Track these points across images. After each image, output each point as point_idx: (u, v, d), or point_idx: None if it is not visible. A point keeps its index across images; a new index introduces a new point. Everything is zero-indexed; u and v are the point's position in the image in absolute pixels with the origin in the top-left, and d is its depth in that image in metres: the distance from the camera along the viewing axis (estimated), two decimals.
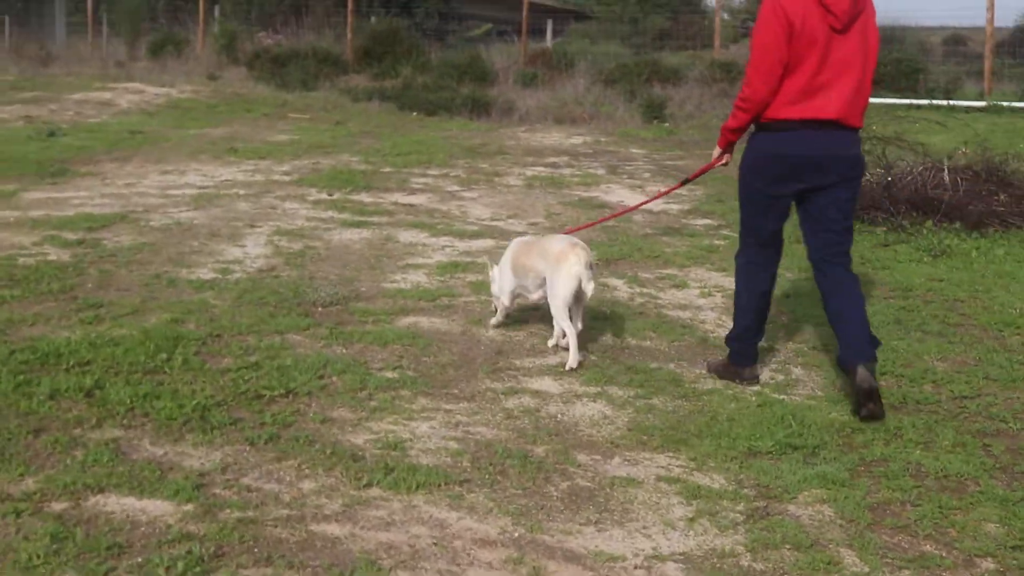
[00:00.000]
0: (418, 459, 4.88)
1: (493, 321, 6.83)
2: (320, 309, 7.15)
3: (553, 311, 6.16)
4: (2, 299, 7.14)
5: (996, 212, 9.57)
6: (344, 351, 6.34)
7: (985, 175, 10.02)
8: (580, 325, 6.27)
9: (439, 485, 4.62)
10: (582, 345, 6.37)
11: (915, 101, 19.41)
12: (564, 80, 22.92)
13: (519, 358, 6.30)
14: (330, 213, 10.38)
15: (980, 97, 20.10)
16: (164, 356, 6.10)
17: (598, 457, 4.98)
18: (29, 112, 18.60)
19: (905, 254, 8.95)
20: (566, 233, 6.73)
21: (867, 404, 5.45)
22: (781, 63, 5.36)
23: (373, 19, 27.17)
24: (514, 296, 6.60)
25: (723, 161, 6.13)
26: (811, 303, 7.25)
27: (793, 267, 8.21)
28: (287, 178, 12.52)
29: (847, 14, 5.35)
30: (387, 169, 13.41)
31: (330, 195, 11.40)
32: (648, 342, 6.65)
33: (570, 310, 6.16)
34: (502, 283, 6.60)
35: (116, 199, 10.84)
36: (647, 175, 13.32)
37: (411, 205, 10.91)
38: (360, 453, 4.92)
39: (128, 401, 5.41)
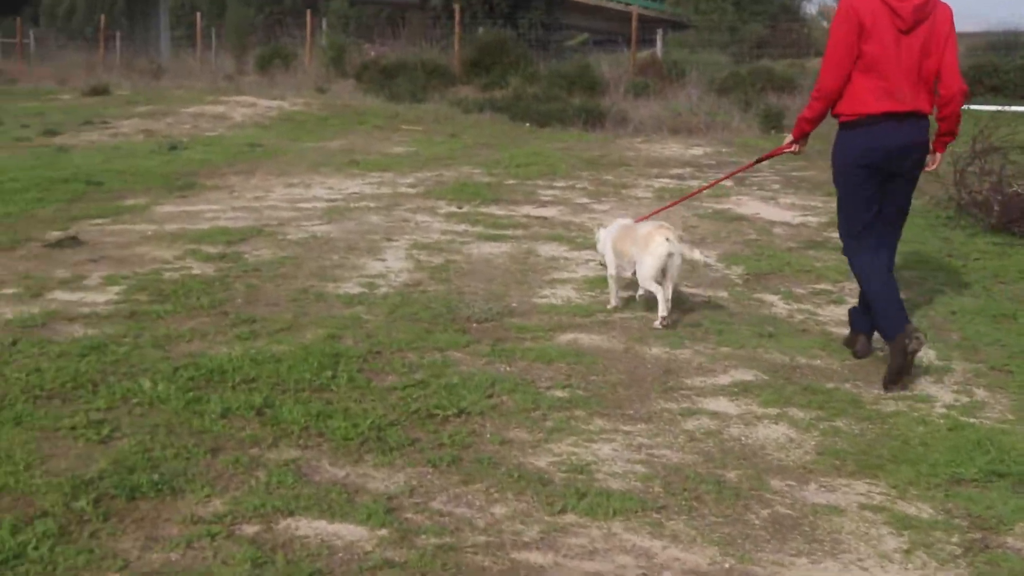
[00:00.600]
0: (607, 483, 4.71)
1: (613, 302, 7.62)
2: (475, 325, 7.00)
3: (642, 283, 7.05)
4: (155, 314, 7.05)
5: None
6: (508, 369, 6.18)
7: None
8: (670, 293, 7.05)
9: (636, 511, 4.46)
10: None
11: None
12: (675, 90, 22.69)
13: (688, 377, 6.10)
14: (464, 226, 10.24)
15: None
16: (329, 374, 5.97)
17: (792, 483, 4.76)
18: (147, 126, 18.77)
19: None
20: (644, 219, 7.60)
21: (908, 357, 6.00)
22: (851, 58, 5.87)
23: (481, 30, 27.06)
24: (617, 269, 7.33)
25: (793, 149, 6.71)
26: (982, 321, 6.98)
27: (955, 283, 7.92)
28: (413, 190, 12.42)
29: (912, 17, 5.82)
30: (511, 181, 13.26)
31: (460, 208, 11.28)
32: (818, 361, 6.43)
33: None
34: (614, 262, 7.36)
35: (248, 212, 10.78)
36: (776, 186, 13.08)
37: (544, 218, 10.74)
38: (547, 477, 4.75)
39: (301, 420, 5.29)
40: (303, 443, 5.10)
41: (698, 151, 16.35)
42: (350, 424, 5.27)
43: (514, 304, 7.50)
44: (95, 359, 6.19)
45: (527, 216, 10.82)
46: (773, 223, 10.48)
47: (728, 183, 13.08)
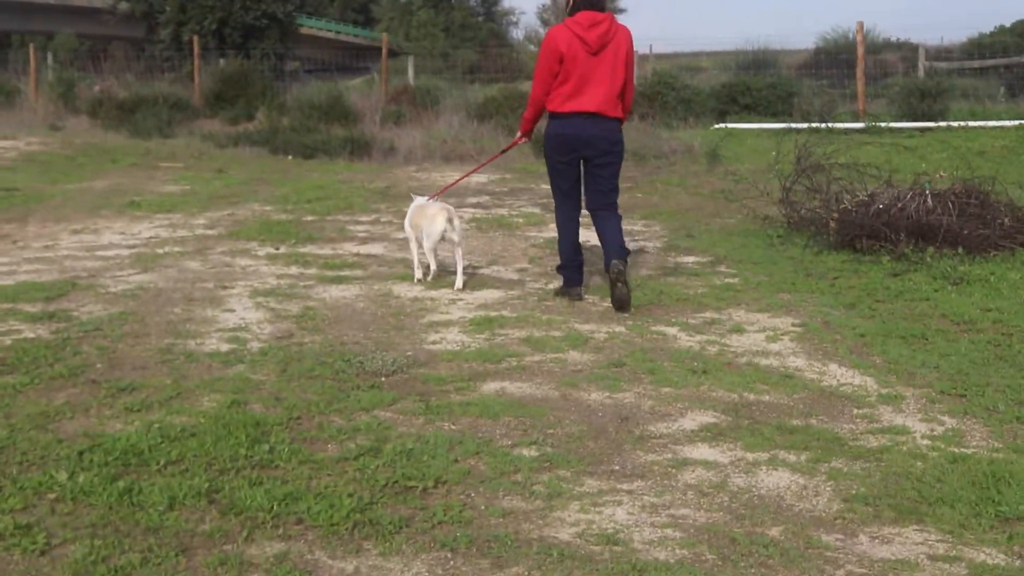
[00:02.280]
0: (652, 554, 4.27)
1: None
2: (384, 379, 6.39)
3: (425, 249, 8.85)
4: (11, 388, 6.27)
5: (997, 236, 9.29)
6: (454, 427, 5.66)
7: (971, 198, 9.72)
8: (461, 259, 8.96)
9: None
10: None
11: (793, 125, 19.33)
12: (430, 117, 22.27)
13: (649, 423, 5.73)
14: (295, 268, 9.57)
15: (855, 118, 20.18)
16: (265, 447, 5.28)
17: (840, 536, 4.44)
18: None
19: (923, 283, 8.66)
20: (433, 196, 9.33)
21: (616, 284, 7.97)
22: (552, 76, 7.90)
23: (221, 61, 26.01)
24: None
25: (523, 140, 8.97)
26: (894, 343, 6.88)
27: (833, 304, 7.81)
28: (213, 232, 11.62)
29: (597, 43, 7.81)
30: (310, 218, 12.61)
31: (276, 249, 10.59)
32: (766, 397, 6.15)
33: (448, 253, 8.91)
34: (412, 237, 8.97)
35: (47, 264, 9.80)
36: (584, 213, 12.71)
37: (374, 255, 10.16)
38: (583, 552, 4.26)
39: (266, 505, 4.59)
40: (283, 533, 4.44)
41: (482, 178, 16.00)
42: (326, 505, 4.65)
43: (409, 353, 6.93)
44: None
45: (356, 255, 10.20)
46: None
47: (535, 209, 12.76)
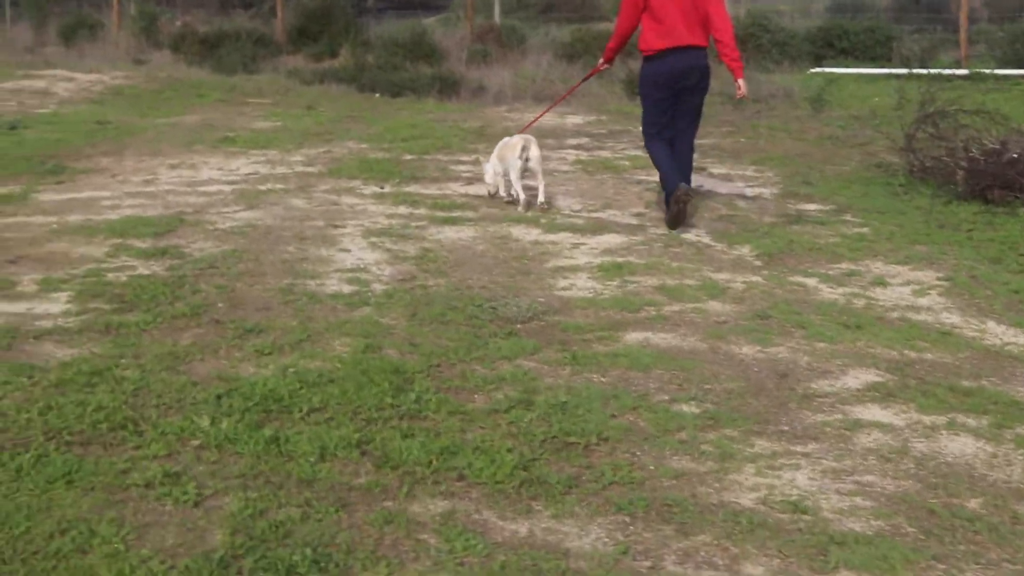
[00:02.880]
0: (846, 525, 3.95)
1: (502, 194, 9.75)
2: (520, 326, 6.06)
3: (512, 180, 9.30)
4: (134, 327, 6.06)
5: None
6: (603, 379, 5.33)
7: None
8: (542, 182, 9.51)
9: (917, 561, 3.67)
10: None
11: (893, 71, 18.70)
12: (516, 57, 21.81)
13: (810, 380, 5.40)
14: (404, 208, 9.27)
15: (957, 65, 19.50)
16: (412, 396, 4.98)
17: None
18: None
19: None
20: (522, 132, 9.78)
21: (680, 204, 8.48)
22: (637, 13, 8.46)
23: None
24: (498, 176, 9.60)
25: (604, 67, 9.56)
26: None
27: (978, 258, 7.38)
28: (312, 169, 11.33)
29: None
30: (408, 157, 12.27)
31: (381, 188, 10.26)
32: (929, 355, 5.79)
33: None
34: (493, 170, 9.68)
35: (149, 199, 9.57)
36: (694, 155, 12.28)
37: (483, 196, 9.78)
38: (771, 521, 3.93)
39: (424, 459, 4.30)
40: (445, 490, 4.13)
41: (577, 119, 15.63)
42: (487, 462, 4.32)
43: (541, 299, 6.62)
44: (108, 389, 5.07)
45: (465, 196, 9.84)
46: (731, 196, 9.82)
47: (637, 152, 12.31)
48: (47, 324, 6.10)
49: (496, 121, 15.15)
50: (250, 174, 11.04)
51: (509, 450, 4.48)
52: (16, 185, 10.26)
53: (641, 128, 8.94)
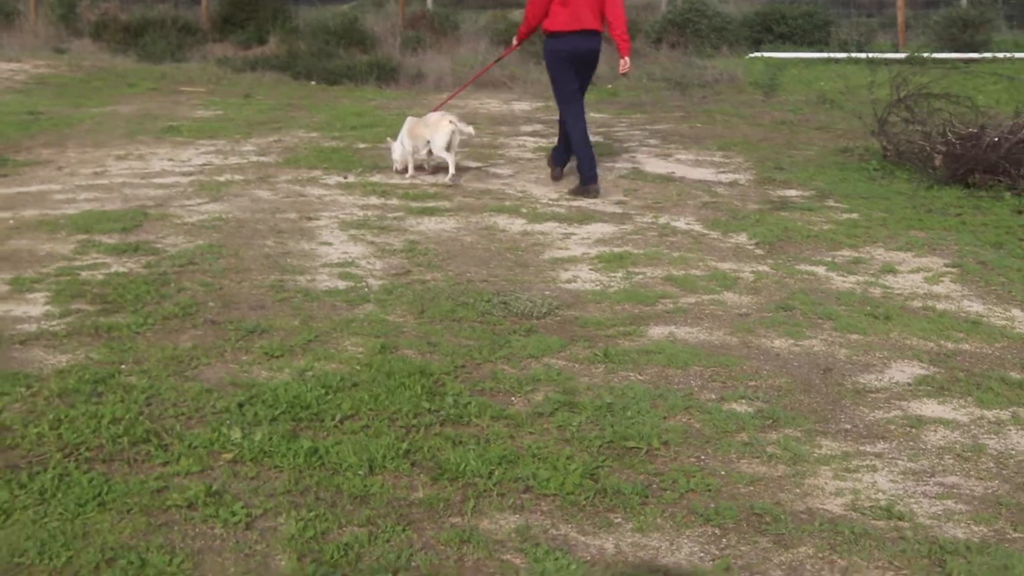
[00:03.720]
0: (948, 531, 3.75)
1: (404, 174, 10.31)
2: (536, 322, 5.77)
3: (436, 153, 9.98)
4: (126, 329, 5.72)
5: None
6: (641, 377, 5.06)
7: None
8: (454, 159, 10.07)
9: None
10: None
11: (832, 55, 18.64)
12: (450, 43, 21.46)
13: (856, 375, 5.21)
14: (376, 199, 8.97)
15: (894, 49, 19.50)
16: (449, 400, 4.64)
17: None
18: None
19: None
20: (435, 110, 10.49)
21: (588, 195, 9.43)
22: (544, 8, 9.37)
23: None
24: (407, 157, 10.24)
25: (516, 47, 10.78)
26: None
27: (975, 243, 7.21)
28: (267, 159, 10.96)
29: None
30: (362, 145, 11.93)
31: (345, 178, 9.89)
32: (966, 345, 5.60)
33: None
34: (402, 150, 10.26)
35: (105, 192, 9.15)
36: (654, 142, 12.15)
37: (454, 186, 9.46)
38: (872, 530, 3.70)
39: (484, 470, 3.98)
40: (513, 503, 3.80)
41: (526, 106, 15.43)
42: (550, 470, 4.01)
43: (548, 292, 6.34)
44: (117, 398, 4.72)
45: (435, 185, 9.50)
46: (708, 183, 9.65)
47: (598, 139, 12.07)
48: (31, 328, 5.68)
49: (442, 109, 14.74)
50: (204, 165, 10.64)
51: (569, 457, 4.16)
52: None
53: (556, 100, 9.80)
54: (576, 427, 4.49)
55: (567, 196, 9.41)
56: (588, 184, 9.42)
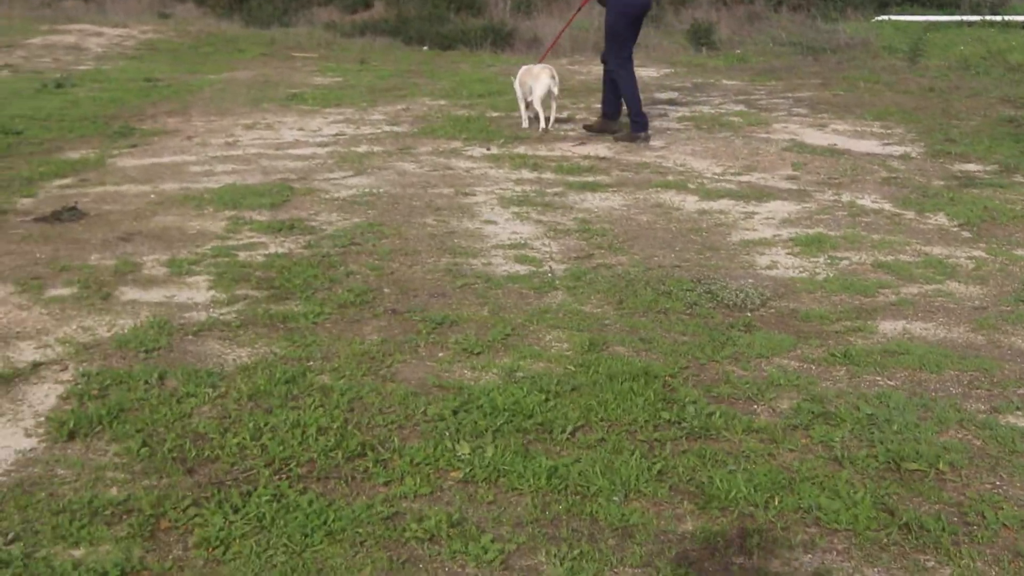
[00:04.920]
0: None
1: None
2: (750, 314, 5.18)
3: (534, 103, 10.44)
4: (302, 319, 5.34)
5: None
6: (891, 383, 4.51)
7: None
8: (554, 113, 10.77)
9: None
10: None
11: (965, 17, 17.76)
12: (560, 6, 20.84)
13: None
14: (529, 173, 8.44)
15: None
16: (691, 410, 4.13)
17: None
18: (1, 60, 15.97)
19: None
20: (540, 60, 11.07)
21: (636, 141, 10.02)
22: None
23: None
24: (520, 103, 10.66)
25: (586, 3, 11.14)
26: None
27: None
28: (400, 129, 10.47)
29: None
30: (495, 114, 11.42)
31: (488, 149, 9.32)
32: None
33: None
34: (520, 93, 10.58)
35: (242, 164, 8.69)
36: (802, 111, 11.63)
37: (604, 157, 8.98)
38: None
39: (758, 498, 3.39)
40: (803, 540, 3.23)
41: (654, 72, 14.71)
42: (835, 498, 3.47)
43: (751, 280, 5.74)
44: (316, 403, 4.24)
45: (586, 157, 8.93)
46: (878, 156, 9.00)
47: (740, 107, 11.45)
48: (200, 316, 5.20)
49: (563, 74, 14.16)
50: (337, 135, 10.18)
51: (849, 482, 3.56)
52: (88, 149, 9.37)
53: (613, 59, 9.98)
54: (840, 443, 3.92)
55: (614, 139, 10.07)
56: (640, 131, 9.93)
